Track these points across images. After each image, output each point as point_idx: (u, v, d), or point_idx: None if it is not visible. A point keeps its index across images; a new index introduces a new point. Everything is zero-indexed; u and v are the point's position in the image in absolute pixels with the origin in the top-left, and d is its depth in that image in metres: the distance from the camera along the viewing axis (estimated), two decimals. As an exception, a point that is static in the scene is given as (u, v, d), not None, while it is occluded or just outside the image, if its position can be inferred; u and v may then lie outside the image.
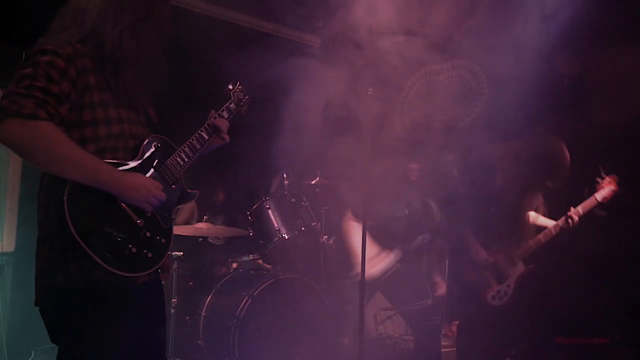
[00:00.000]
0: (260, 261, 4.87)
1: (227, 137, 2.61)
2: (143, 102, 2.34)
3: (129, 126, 2.26)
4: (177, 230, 4.35)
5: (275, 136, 4.23)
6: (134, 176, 2.20)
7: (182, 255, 4.47)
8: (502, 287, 4.43)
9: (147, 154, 2.30)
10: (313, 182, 4.90)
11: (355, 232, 4.16)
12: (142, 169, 2.27)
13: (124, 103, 2.25)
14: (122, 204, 2.14)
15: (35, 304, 2.19)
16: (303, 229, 4.50)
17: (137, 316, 2.23)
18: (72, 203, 2.02)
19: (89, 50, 2.19)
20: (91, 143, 2.16)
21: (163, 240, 2.28)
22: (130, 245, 2.14)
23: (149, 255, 2.20)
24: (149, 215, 2.23)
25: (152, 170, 2.31)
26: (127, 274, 2.12)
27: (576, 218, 4.26)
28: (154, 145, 2.33)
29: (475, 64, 4.41)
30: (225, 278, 4.66)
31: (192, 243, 4.93)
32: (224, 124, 2.62)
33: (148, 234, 2.21)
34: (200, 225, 4.78)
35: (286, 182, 4.64)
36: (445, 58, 4.46)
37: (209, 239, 5.28)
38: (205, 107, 2.71)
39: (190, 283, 4.83)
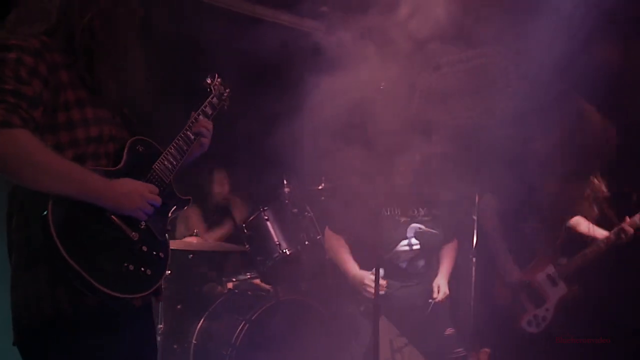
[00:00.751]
0: (258, 280, 4.70)
1: (206, 142, 2.49)
2: (118, 100, 2.23)
3: (108, 128, 2.16)
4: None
5: (272, 135, 4.16)
6: (124, 182, 2.11)
7: (169, 274, 4.16)
8: (539, 311, 4.21)
9: (131, 159, 2.21)
10: (318, 188, 4.65)
11: (340, 247, 3.92)
12: (127, 176, 2.17)
13: (100, 102, 2.15)
14: (113, 216, 2.06)
15: (14, 344, 2.08)
16: (307, 243, 4.26)
17: (129, 346, 2.16)
18: (57, 219, 1.92)
19: (58, 43, 2.10)
20: (68, 149, 2.07)
21: (161, 255, 2.20)
22: (126, 263, 2.06)
23: (148, 272, 2.12)
24: (143, 227, 2.15)
25: (140, 177, 2.22)
26: (128, 296, 2.05)
27: (631, 231, 3.88)
28: (138, 149, 2.25)
29: (503, 51, 4.21)
30: (219, 300, 4.45)
31: (180, 260, 4.65)
32: (207, 126, 2.52)
33: (144, 249, 2.13)
34: (190, 239, 4.54)
35: (287, 189, 4.40)
36: (468, 45, 4.32)
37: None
38: (188, 104, 2.64)
39: (179, 306, 4.63)
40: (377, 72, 3.63)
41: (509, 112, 4.17)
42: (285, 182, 4.41)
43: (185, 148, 2.40)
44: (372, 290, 3.37)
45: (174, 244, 4.26)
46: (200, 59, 4.23)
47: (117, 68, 2.18)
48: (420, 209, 3.92)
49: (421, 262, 3.93)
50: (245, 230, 4.35)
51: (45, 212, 1.93)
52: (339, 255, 3.98)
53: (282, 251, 4.21)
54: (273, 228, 4.28)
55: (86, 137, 2.10)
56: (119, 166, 2.17)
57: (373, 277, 3.41)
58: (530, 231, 4.26)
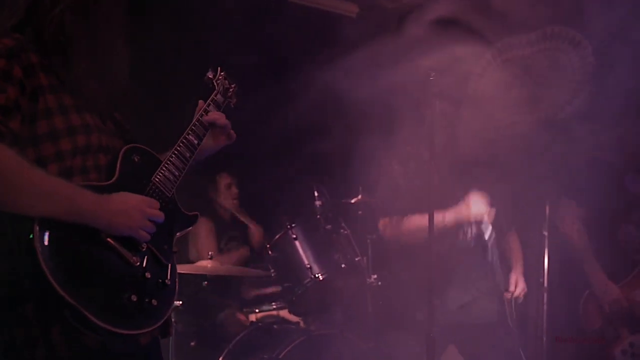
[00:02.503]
0: (285, 312, 4.61)
1: (232, 134, 2.52)
2: (106, 104, 2.22)
3: (97, 136, 2.13)
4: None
5: (300, 138, 4.20)
6: (120, 197, 2.08)
7: (180, 305, 4.12)
8: (637, 338, 4.01)
9: (126, 171, 2.17)
10: (354, 201, 4.50)
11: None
12: (121, 190, 2.13)
13: (86, 107, 2.13)
14: (109, 239, 2.02)
15: None
16: (343, 266, 4.11)
17: None
18: (44, 245, 1.88)
19: (31, 40, 2.08)
20: (52, 163, 2.04)
21: (168, 282, 2.17)
22: (128, 294, 2.02)
23: (154, 303, 2.08)
24: (144, 250, 2.12)
25: (137, 192, 2.19)
26: (133, 332, 2.03)
27: None
28: (134, 159, 2.23)
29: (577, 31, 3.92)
30: (240, 336, 4.24)
31: (193, 288, 4.53)
32: (218, 117, 2.49)
33: (148, 275, 2.10)
34: (204, 263, 4.37)
35: (318, 202, 4.27)
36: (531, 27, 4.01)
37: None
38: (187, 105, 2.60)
39: (193, 343, 4.55)
40: (425, 62, 3.46)
41: (581, 106, 3.96)
42: (316, 193, 4.31)
43: (188, 155, 2.36)
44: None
45: (184, 269, 4.22)
46: (207, 53, 4.26)
47: (98, 67, 2.16)
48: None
49: (493, 242, 3.71)
50: (270, 252, 4.25)
51: (31, 236, 1.89)
52: (413, 218, 3.73)
53: (314, 276, 4.09)
54: (303, 248, 4.18)
55: (72, 147, 2.07)
56: (112, 180, 2.13)
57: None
58: (627, 238, 4.11)
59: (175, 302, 2.22)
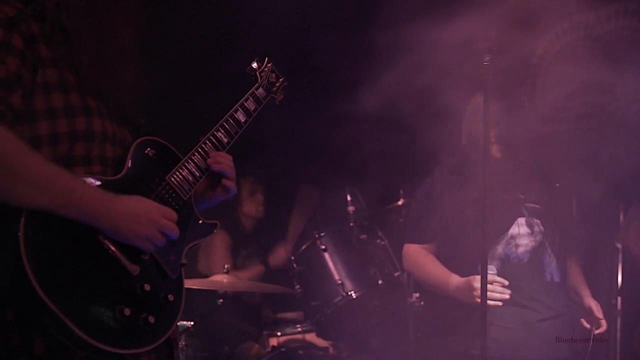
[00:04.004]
0: (313, 335, 4.46)
1: (231, 185, 2.37)
2: (111, 88, 2.15)
3: (100, 123, 2.07)
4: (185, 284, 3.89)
5: (332, 136, 4.16)
6: (131, 200, 2.02)
7: (191, 326, 4.00)
8: None
9: (137, 166, 2.12)
10: (394, 206, 4.38)
11: (429, 259, 3.58)
12: (128, 188, 2.08)
13: (89, 88, 2.10)
14: (106, 241, 1.96)
15: None
16: (380, 282, 3.98)
17: None
18: (31, 244, 1.83)
19: (34, 12, 2.06)
20: (46, 146, 2.00)
21: (171, 297, 2.08)
22: (121, 306, 1.95)
23: (150, 320, 1.99)
24: (146, 258, 2.05)
25: (147, 191, 2.16)
26: (121, 351, 1.94)
27: None
28: (148, 153, 2.18)
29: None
30: None
31: (206, 306, 4.38)
32: (225, 160, 2.37)
33: (147, 288, 2.03)
34: (219, 277, 4.25)
35: (351, 207, 4.23)
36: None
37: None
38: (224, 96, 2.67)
39: None
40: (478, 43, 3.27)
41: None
42: (348, 197, 4.26)
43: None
44: (495, 293, 3.14)
45: (196, 283, 4.13)
46: (240, 40, 4.29)
47: (102, 49, 2.14)
48: (529, 194, 3.58)
49: (550, 259, 3.49)
50: (295, 265, 4.15)
51: (17, 233, 1.88)
52: (428, 267, 3.60)
53: (346, 294, 3.98)
54: (333, 261, 4.09)
55: (70, 131, 2.03)
56: (120, 175, 2.10)
57: (488, 276, 3.09)
58: None
59: (177, 322, 2.13)
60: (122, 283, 2.02)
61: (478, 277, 3.24)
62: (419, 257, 3.67)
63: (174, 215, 2.13)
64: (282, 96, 2.70)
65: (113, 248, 2.00)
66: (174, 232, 2.12)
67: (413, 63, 3.60)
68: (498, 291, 3.19)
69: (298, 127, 4.53)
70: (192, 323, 4.04)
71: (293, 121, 4.32)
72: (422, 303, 4.10)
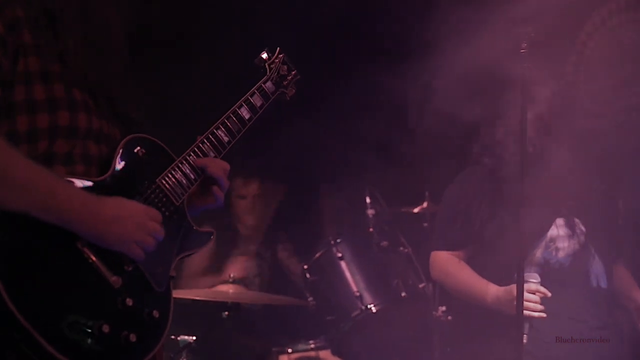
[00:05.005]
0: (327, 352, 4.32)
1: (220, 195, 2.31)
2: (100, 79, 2.12)
3: (85, 118, 2.03)
4: (186, 295, 3.94)
5: (347, 132, 4.18)
6: (114, 202, 1.98)
7: (194, 341, 3.93)
8: None
9: (125, 166, 2.09)
10: (418, 210, 4.37)
11: (462, 267, 3.47)
12: (114, 190, 2.05)
13: (75, 78, 2.05)
14: (85, 249, 1.91)
15: None
16: (403, 294, 3.87)
17: None
18: (1, 249, 1.79)
19: None
20: (23, 143, 1.96)
21: (156, 314, 2.03)
22: (100, 322, 1.90)
23: (131, 338, 1.96)
24: (130, 269, 2.00)
25: (135, 194, 2.12)
26: None
27: None
28: (137, 152, 2.14)
29: None
30: None
31: (209, 320, 4.29)
32: (222, 166, 2.33)
33: (129, 302, 1.98)
34: (225, 288, 4.19)
35: (371, 210, 4.09)
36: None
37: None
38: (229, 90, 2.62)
39: None
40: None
41: None
42: (368, 200, 4.13)
43: (212, 155, 2.30)
44: (534, 305, 3.05)
45: (199, 294, 4.02)
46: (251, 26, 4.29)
47: (90, 34, 2.10)
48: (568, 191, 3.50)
49: (594, 263, 3.38)
50: (308, 275, 4.02)
51: None
52: (462, 276, 3.47)
53: (365, 307, 3.85)
54: (350, 271, 3.97)
55: (50, 126, 1.99)
56: (105, 176, 2.05)
57: (530, 284, 3.05)
58: None
59: (163, 341, 2.08)
60: (102, 296, 1.97)
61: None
62: (451, 265, 3.53)
63: (158, 215, 2.09)
64: (293, 91, 2.62)
65: (93, 257, 1.95)
66: (159, 234, 2.08)
67: (439, 57, 3.46)
68: (540, 302, 3.09)
69: (310, 119, 4.41)
70: (194, 338, 3.96)
71: (303, 113, 4.16)
72: (449, 317, 4.02)
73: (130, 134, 2.17)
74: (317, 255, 4.02)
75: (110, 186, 2.04)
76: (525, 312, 3.06)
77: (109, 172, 2.05)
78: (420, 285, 3.94)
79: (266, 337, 4.69)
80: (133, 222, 2.02)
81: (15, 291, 1.80)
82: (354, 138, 4.28)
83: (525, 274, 3.04)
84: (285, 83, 2.59)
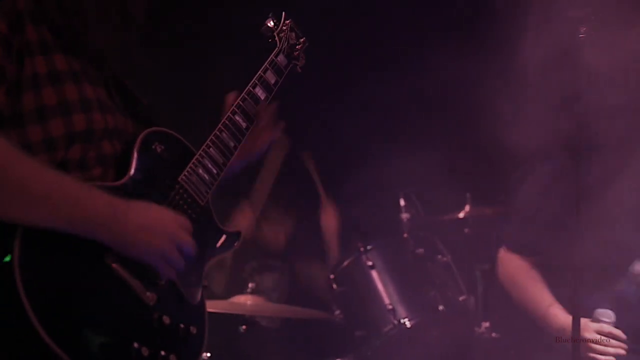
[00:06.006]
0: None
1: (262, 146, 2.35)
2: (115, 65, 2.09)
3: (101, 117, 1.96)
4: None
5: (385, 125, 4.17)
6: (144, 207, 1.91)
7: (207, 358, 3.70)
8: None
9: (145, 167, 2.03)
10: (460, 216, 4.21)
11: (529, 277, 3.25)
12: (136, 194, 1.97)
13: (86, 71, 1.99)
14: (114, 265, 1.85)
15: None
16: (441, 308, 3.74)
17: None
18: (28, 274, 1.72)
19: None
20: (41, 153, 1.88)
21: (193, 330, 1.97)
22: (137, 344, 1.83)
23: (172, 359, 1.91)
24: (162, 283, 1.93)
25: (160, 198, 2.07)
26: None
27: None
28: (155, 148, 2.08)
29: None
30: None
31: (227, 335, 4.07)
32: (268, 114, 2.33)
33: (166, 321, 1.90)
34: (242, 298, 3.96)
35: (405, 214, 4.02)
36: None
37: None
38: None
39: None
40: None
41: None
42: (402, 203, 4.07)
43: (232, 145, 2.20)
44: (603, 348, 2.82)
45: (213, 307, 3.72)
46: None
47: (104, 12, 2.01)
48: None
49: None
50: (335, 285, 3.92)
51: (8, 257, 1.75)
52: (531, 291, 3.22)
53: (399, 322, 3.71)
54: (383, 282, 3.83)
55: (66, 132, 1.92)
56: (124, 179, 1.99)
57: (603, 325, 2.84)
58: None
59: (201, 358, 2.05)
60: (137, 316, 1.90)
61: (592, 325, 2.92)
62: (521, 273, 3.28)
63: (189, 225, 2.02)
64: (303, 61, 2.52)
65: (124, 273, 1.88)
66: (190, 248, 2.01)
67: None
68: (613, 344, 2.83)
69: (337, 112, 4.35)
70: (208, 355, 3.70)
71: (326, 104, 4.10)
72: (493, 334, 3.93)
73: (143, 124, 2.09)
74: (345, 263, 3.90)
75: (132, 191, 1.97)
76: (591, 356, 2.91)
77: (128, 175, 1.98)
78: (461, 298, 3.81)
79: (288, 355, 4.56)
80: (162, 230, 1.94)
81: (47, 320, 1.73)
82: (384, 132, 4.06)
83: (598, 311, 2.87)
84: (295, 53, 2.48)
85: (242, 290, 4.09)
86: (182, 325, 1.98)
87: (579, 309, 2.67)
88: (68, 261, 1.84)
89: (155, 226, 1.95)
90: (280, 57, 2.41)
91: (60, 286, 1.82)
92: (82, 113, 1.96)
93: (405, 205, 4.06)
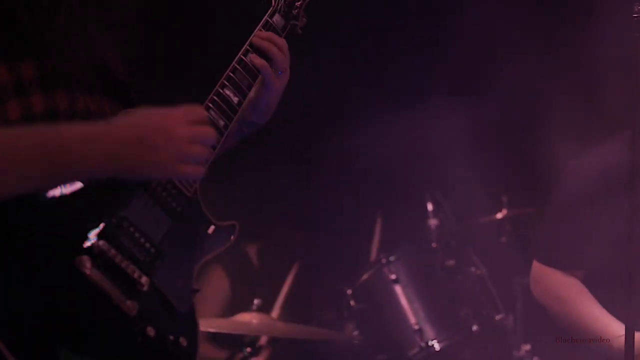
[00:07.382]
0: None
1: (281, 81, 2.12)
2: (103, 59, 1.92)
3: (67, 96, 1.86)
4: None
5: (412, 118, 3.83)
6: (128, 118, 1.79)
7: None
8: None
9: None
10: (493, 220, 4.10)
11: (578, 293, 2.96)
12: (107, 186, 1.83)
13: (60, 75, 1.82)
14: (86, 271, 1.70)
15: None
16: (475, 328, 3.55)
17: None
18: None
19: None
20: None
21: (183, 341, 1.83)
22: None
23: None
24: (144, 289, 1.79)
25: (139, 191, 1.90)
26: None
27: None
28: None
29: None
30: None
31: (230, 357, 3.97)
32: (277, 43, 2.14)
33: (151, 332, 1.77)
34: (246, 317, 3.71)
35: (433, 221, 3.84)
36: None
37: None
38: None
39: None
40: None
41: None
42: (430, 207, 3.86)
43: (222, 124, 2.02)
44: None
45: (215, 326, 3.64)
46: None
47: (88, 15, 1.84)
48: None
49: None
50: (353, 302, 3.75)
51: None
52: (583, 306, 2.96)
53: (426, 344, 3.57)
54: (408, 298, 3.68)
55: (24, 114, 1.76)
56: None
57: None
58: None
59: None
60: (117, 329, 1.76)
61: None
62: (567, 288, 3.01)
63: (201, 113, 1.88)
64: (304, 20, 2.33)
65: (98, 278, 1.72)
66: (210, 134, 1.90)
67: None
68: None
69: (360, 108, 4.17)
70: None
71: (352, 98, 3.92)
72: (535, 359, 3.69)
73: (121, 105, 1.91)
74: (365, 277, 3.73)
75: (108, 182, 1.78)
76: None
77: None
78: (497, 317, 3.63)
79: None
80: (164, 135, 1.79)
81: (9, 337, 1.60)
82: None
83: None
84: (294, 12, 2.29)
85: (246, 307, 3.89)
86: (171, 337, 1.82)
87: (634, 325, 2.33)
88: (31, 270, 1.69)
89: (152, 134, 1.79)
90: (276, 18, 2.24)
91: (24, 297, 1.67)
92: (39, 93, 1.80)
93: (433, 210, 3.88)
